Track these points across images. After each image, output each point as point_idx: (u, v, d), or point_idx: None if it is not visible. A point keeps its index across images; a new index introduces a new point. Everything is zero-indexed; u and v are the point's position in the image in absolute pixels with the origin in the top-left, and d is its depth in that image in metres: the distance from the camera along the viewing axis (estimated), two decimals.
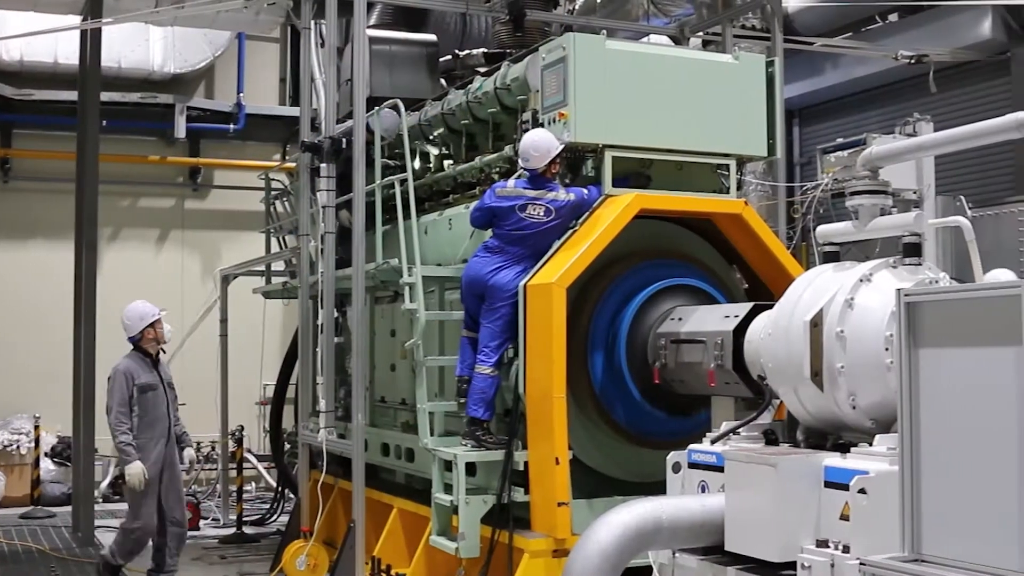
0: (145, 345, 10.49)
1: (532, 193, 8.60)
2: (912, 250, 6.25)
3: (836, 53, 16.72)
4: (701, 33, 13.88)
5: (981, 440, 4.58)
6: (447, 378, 9.43)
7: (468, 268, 8.80)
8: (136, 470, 9.98)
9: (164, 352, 10.80)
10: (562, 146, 8.56)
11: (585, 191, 8.63)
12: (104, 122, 15.33)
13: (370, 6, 12.85)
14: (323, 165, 10.55)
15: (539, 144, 8.57)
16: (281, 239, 15.12)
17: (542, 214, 8.56)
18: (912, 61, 15.11)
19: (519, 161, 8.75)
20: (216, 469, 16.76)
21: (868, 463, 5.52)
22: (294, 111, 16.55)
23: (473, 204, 9.13)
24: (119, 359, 10.50)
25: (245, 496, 15.22)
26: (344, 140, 10.38)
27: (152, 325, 10.48)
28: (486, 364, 8.55)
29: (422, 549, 9.26)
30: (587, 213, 8.53)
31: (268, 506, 15.42)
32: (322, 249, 10.60)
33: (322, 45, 12.65)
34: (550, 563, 7.91)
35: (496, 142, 10.00)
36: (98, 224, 14.63)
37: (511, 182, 8.80)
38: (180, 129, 18.91)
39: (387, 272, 9.83)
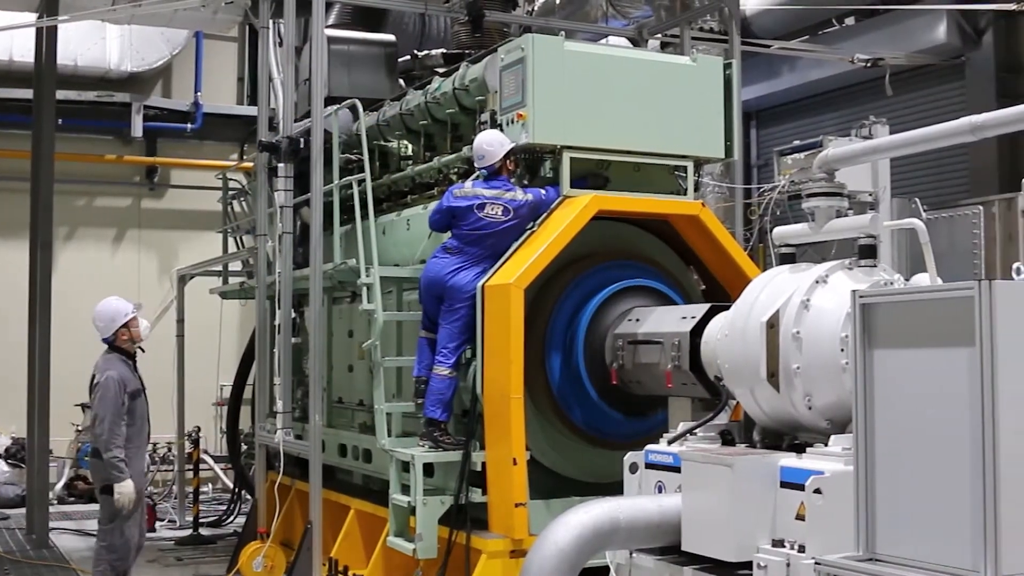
0: (121, 345, 9.62)
1: (490, 193, 8.61)
2: (867, 252, 6.29)
3: (793, 56, 16.83)
4: (659, 35, 13.93)
5: (935, 440, 4.61)
6: (405, 379, 9.42)
7: (427, 269, 8.80)
8: (128, 489, 9.16)
9: (143, 351, 9.94)
10: (513, 144, 8.61)
11: (543, 191, 8.65)
12: (60, 121, 15.22)
13: (328, 6, 12.83)
14: (281, 165, 10.51)
15: (491, 140, 8.66)
16: (238, 239, 15.04)
17: (500, 214, 8.57)
18: (868, 64, 15.23)
19: (475, 161, 8.76)
20: (172, 470, 16.65)
21: (823, 463, 5.55)
22: (252, 111, 16.45)
23: (432, 205, 9.12)
24: (101, 362, 9.58)
25: (201, 497, 15.10)
26: (302, 140, 10.34)
27: (126, 324, 9.60)
28: (444, 365, 8.54)
29: (379, 550, 9.24)
30: (545, 214, 8.53)
31: (225, 507, 15.33)
32: (280, 249, 10.55)
33: (280, 44, 12.61)
34: (507, 564, 7.92)
35: (455, 143, 9.99)
36: (54, 223, 14.50)
37: (468, 183, 8.81)
38: (137, 128, 18.80)
39: (345, 272, 9.80)
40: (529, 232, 8.49)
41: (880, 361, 4.86)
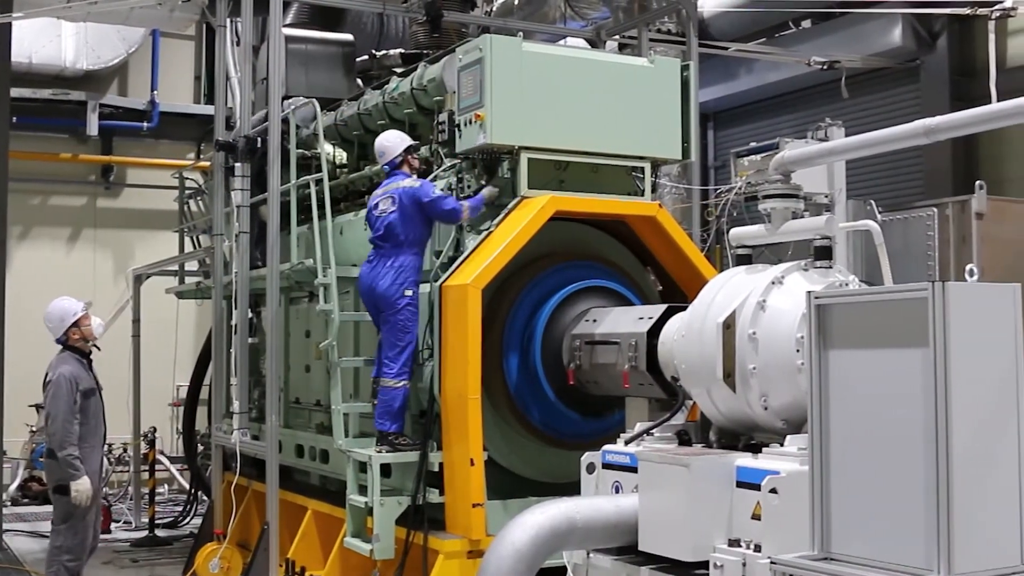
0: (74, 344, 9.61)
1: (382, 190, 8.82)
2: (823, 253, 6.33)
3: (750, 58, 16.91)
4: (617, 36, 13.96)
5: (889, 440, 4.65)
6: (362, 379, 9.40)
7: (359, 282, 8.91)
8: (85, 487, 9.15)
9: (98, 349, 9.97)
10: (413, 142, 8.96)
11: (417, 183, 8.76)
12: (14, 118, 15.07)
13: (286, 5, 12.77)
14: (238, 164, 10.47)
15: (390, 137, 9.02)
16: (195, 238, 14.98)
17: (389, 205, 8.69)
18: (824, 67, 15.32)
19: (377, 160, 8.96)
20: (128, 471, 16.55)
21: (779, 463, 5.58)
22: (209, 109, 16.41)
23: None
24: (55, 360, 9.56)
25: (157, 498, 15.04)
26: (259, 139, 10.31)
27: (77, 323, 9.61)
28: (389, 375, 8.51)
29: (336, 551, 9.22)
30: (503, 214, 8.53)
31: (181, 508, 15.26)
32: (237, 249, 10.51)
33: (237, 43, 12.56)
34: (465, 564, 7.91)
35: None
36: (8, 222, 14.34)
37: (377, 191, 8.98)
38: (92, 126, 18.65)
39: (302, 272, 9.77)
40: (486, 233, 8.49)
41: (835, 361, 4.90)
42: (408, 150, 9.01)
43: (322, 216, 9.39)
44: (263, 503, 9.91)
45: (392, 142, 9.00)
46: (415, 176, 8.96)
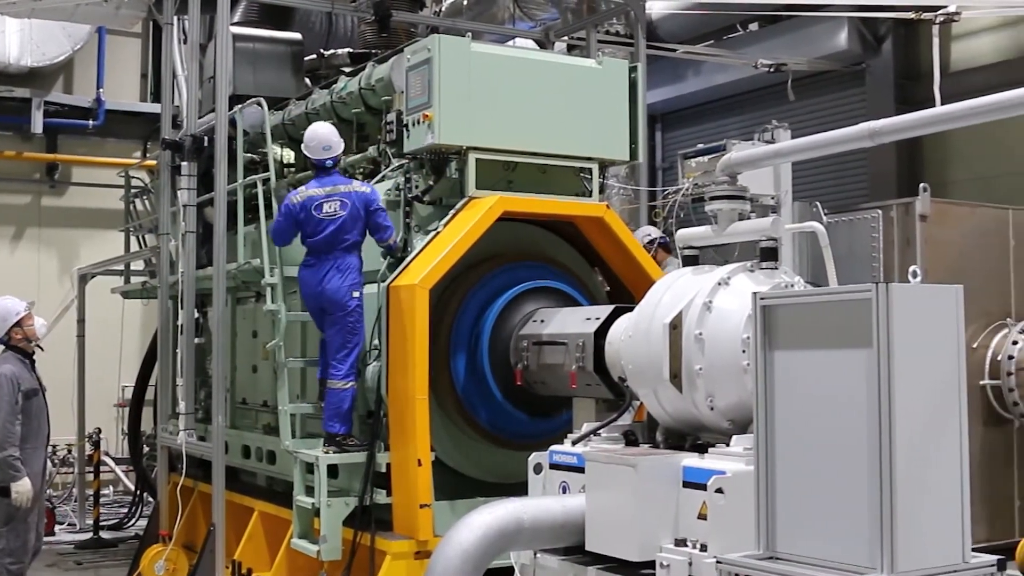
0: (17, 344, 9.54)
1: (324, 191, 8.69)
2: (769, 254, 6.36)
3: (698, 60, 16.99)
4: (566, 37, 13.98)
5: (833, 440, 4.69)
6: (309, 380, 9.37)
7: (300, 284, 8.80)
8: (25, 488, 9.09)
9: (42, 349, 9.91)
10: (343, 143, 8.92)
11: (368, 189, 8.73)
12: None
13: (234, 3, 12.69)
14: (184, 163, 10.40)
15: (334, 132, 8.92)
16: (141, 238, 14.88)
17: (339, 208, 8.61)
18: (771, 69, 15.42)
19: (313, 153, 8.84)
20: (72, 473, 16.41)
21: (725, 463, 5.61)
22: (155, 108, 16.29)
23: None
24: None
25: (102, 500, 14.93)
26: (206, 138, 10.25)
27: (19, 323, 9.54)
28: (337, 377, 8.49)
29: (283, 552, 9.18)
30: (451, 214, 8.53)
31: (126, 510, 15.15)
32: (183, 248, 10.45)
33: (185, 41, 12.47)
34: (412, 565, 7.90)
35: (360, 143, 9.98)
36: None
37: (300, 189, 8.85)
38: (37, 124, 18.43)
39: (249, 272, 9.73)
40: (434, 233, 8.48)
41: (780, 362, 4.94)
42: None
43: (269, 216, 9.36)
44: (209, 504, 9.86)
45: (337, 137, 8.94)
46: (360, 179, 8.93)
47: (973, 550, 4.77)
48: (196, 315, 10.66)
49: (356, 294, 8.52)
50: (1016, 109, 5.72)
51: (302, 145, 9.04)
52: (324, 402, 8.60)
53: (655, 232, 11.37)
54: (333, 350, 8.53)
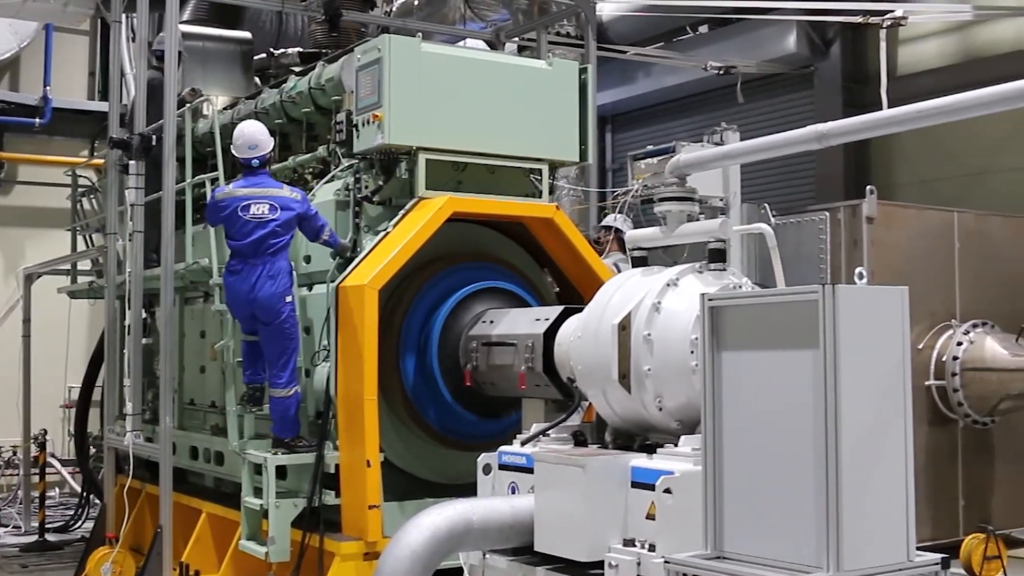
0: None
1: (249, 191, 8.59)
2: (717, 256, 6.40)
3: (648, 62, 17.07)
4: (516, 38, 13.99)
5: (780, 440, 4.73)
6: None
7: (228, 292, 8.67)
8: None
9: None
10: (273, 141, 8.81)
11: (298, 196, 8.64)
12: None
13: (183, 1, 12.62)
14: (132, 162, 10.33)
15: (263, 130, 8.85)
16: (88, 237, 14.75)
17: (267, 211, 8.50)
18: (721, 72, 15.52)
19: (239, 152, 8.75)
20: (17, 475, 16.24)
21: (673, 463, 5.64)
22: (103, 106, 16.14)
23: None
24: None
25: (48, 502, 14.78)
26: (154, 137, 10.18)
27: None
28: (279, 386, 8.44)
29: (231, 554, 9.13)
30: (400, 215, 8.51)
31: (72, 512, 15.01)
32: (130, 248, 10.37)
33: (133, 39, 12.38)
34: (361, 566, 7.88)
35: (310, 142, 9.94)
36: None
37: (227, 187, 8.78)
38: None
39: (197, 272, 9.67)
40: (384, 233, 8.47)
41: (728, 363, 4.97)
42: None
43: None
44: (156, 506, 9.78)
45: (265, 136, 8.82)
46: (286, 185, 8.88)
47: (918, 549, 4.82)
48: (144, 315, 10.58)
49: (289, 299, 8.45)
50: (961, 113, 5.78)
51: (232, 145, 8.89)
52: (270, 409, 8.54)
53: (619, 223, 11.39)
54: (272, 359, 8.46)
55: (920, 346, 10.74)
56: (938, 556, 4.86)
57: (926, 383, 10.75)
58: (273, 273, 8.44)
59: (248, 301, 8.46)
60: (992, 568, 9.20)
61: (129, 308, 10.39)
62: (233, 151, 8.84)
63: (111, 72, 12.02)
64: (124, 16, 11.77)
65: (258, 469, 8.46)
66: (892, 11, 12.87)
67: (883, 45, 12.51)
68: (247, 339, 8.73)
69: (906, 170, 15.03)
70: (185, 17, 13.02)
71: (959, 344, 10.83)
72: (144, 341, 10.54)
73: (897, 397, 4.74)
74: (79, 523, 14.54)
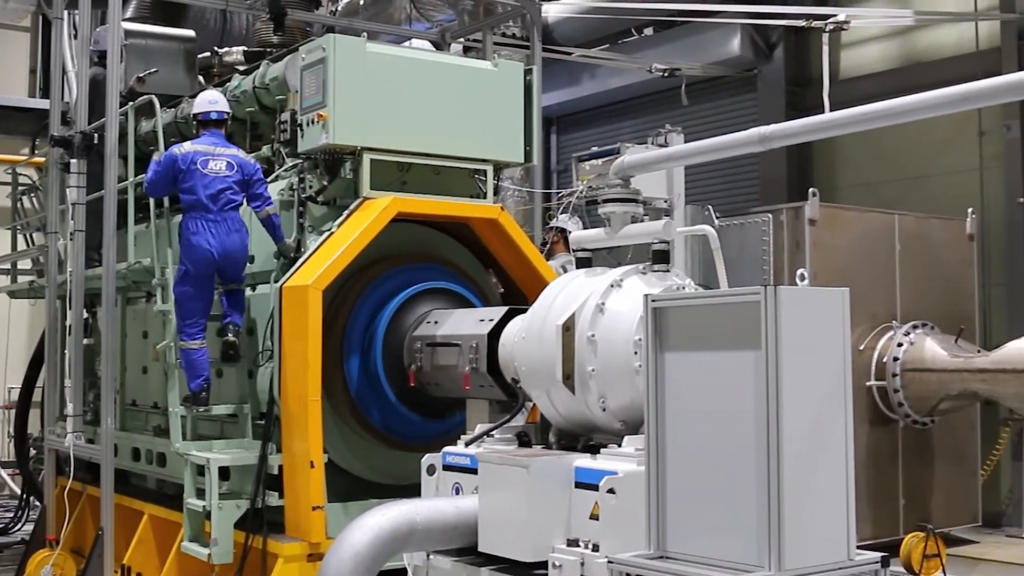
0: None
1: (211, 148, 8.85)
2: (661, 257, 6.43)
3: (593, 64, 17.13)
4: (462, 39, 14.00)
5: (723, 441, 4.75)
6: None
7: (193, 248, 8.65)
8: None
9: None
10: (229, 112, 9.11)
11: (250, 158, 8.99)
12: None
13: None
14: (74, 160, 10.23)
15: (215, 94, 9.19)
16: (28, 236, 14.58)
17: (225, 168, 8.73)
18: (666, 74, 15.59)
19: (200, 111, 9.07)
20: None
21: (617, 464, 5.65)
22: (44, 104, 15.94)
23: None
24: None
25: None
26: (96, 135, 10.09)
27: None
28: (199, 338, 8.65)
29: (174, 556, 9.07)
30: (345, 214, 8.49)
31: (12, 514, 14.83)
32: (71, 247, 10.28)
33: (75, 36, 12.26)
34: (304, 567, 7.85)
35: (254, 142, 9.90)
36: None
37: (185, 144, 8.98)
38: None
39: (139, 272, 9.59)
40: (328, 234, 8.44)
41: (671, 364, 4.99)
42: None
43: (160, 215, 9.25)
44: (98, 508, 9.70)
45: (225, 100, 9.16)
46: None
47: (859, 547, 4.86)
48: (85, 315, 10.48)
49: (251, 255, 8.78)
50: (902, 116, 5.85)
51: (192, 113, 9.19)
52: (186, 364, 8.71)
53: (567, 224, 11.40)
54: (204, 313, 8.68)
55: (861, 347, 10.86)
56: (878, 555, 4.90)
57: (867, 384, 10.88)
58: (239, 227, 8.69)
59: (222, 255, 8.63)
60: (931, 566, 9.31)
61: (70, 308, 10.28)
62: (193, 112, 9.11)
63: (52, 69, 11.91)
64: (66, 13, 11.67)
65: (201, 470, 8.40)
66: (835, 15, 12.99)
67: (826, 49, 12.62)
68: (193, 346, 8.68)
69: (848, 173, 15.18)
70: (128, 14, 12.92)
71: (899, 345, 10.96)
72: (85, 341, 10.45)
73: (838, 397, 4.78)
74: (19, 526, 14.37)
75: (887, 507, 11.18)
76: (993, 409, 12.37)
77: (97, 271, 10.03)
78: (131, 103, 10.05)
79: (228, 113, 9.18)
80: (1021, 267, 13.26)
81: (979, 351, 10.65)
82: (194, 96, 10.75)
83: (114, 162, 9.60)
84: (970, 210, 12.39)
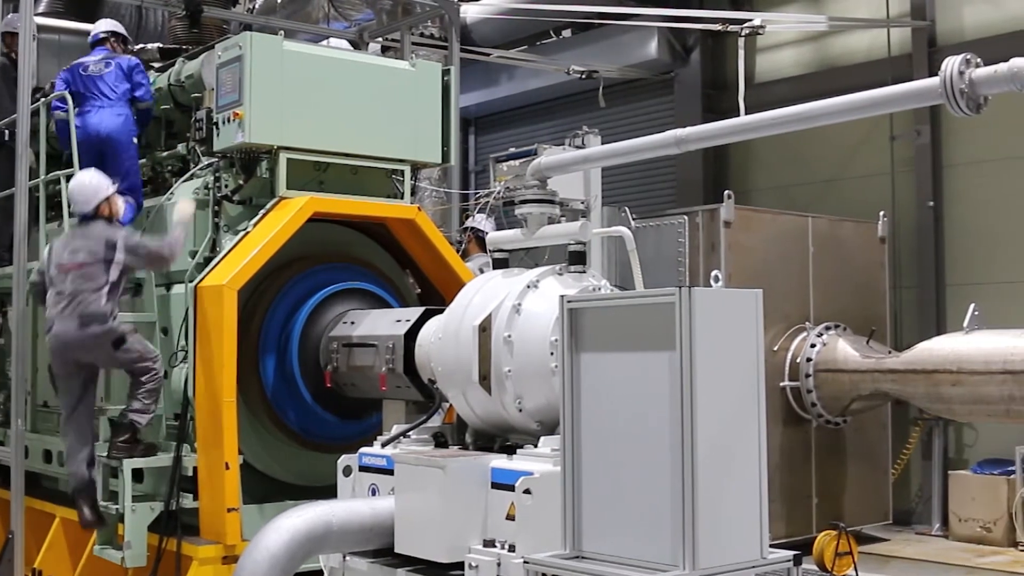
0: None
1: (89, 59, 9.58)
2: (577, 258, 6.46)
3: (511, 65, 17.17)
4: (380, 39, 13.96)
5: (637, 441, 4.78)
6: (113, 383, 9.13)
7: (71, 131, 9.21)
8: None
9: None
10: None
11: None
12: None
13: None
14: None
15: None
16: None
17: (103, 67, 9.54)
18: (583, 76, 15.66)
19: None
20: None
21: (533, 464, 5.68)
22: None
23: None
24: None
25: None
26: (7, 132, 9.94)
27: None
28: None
29: (86, 559, 8.94)
30: (261, 214, 8.43)
31: None
32: None
33: None
34: (219, 570, 7.79)
35: (169, 140, 9.80)
36: None
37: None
38: None
39: None
40: (243, 233, 8.38)
41: (587, 364, 5.01)
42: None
43: (72, 213, 9.13)
44: (7, 511, 9.55)
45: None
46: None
47: (772, 546, 4.92)
48: None
49: (135, 140, 9.25)
50: (815, 120, 5.93)
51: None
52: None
53: (480, 223, 11.39)
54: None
55: (775, 348, 10.99)
56: (791, 553, 4.97)
57: (781, 384, 11.01)
58: (121, 112, 9.34)
59: (95, 135, 9.18)
60: (843, 564, 9.42)
61: None
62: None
63: None
64: None
65: (114, 472, 8.30)
66: (750, 20, 13.13)
67: (741, 53, 12.75)
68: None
69: (763, 176, 15.35)
70: (40, 9, 12.74)
71: (812, 346, 11.11)
72: None
73: (752, 398, 4.83)
74: None
75: (800, 506, 11.33)
76: (904, 409, 12.58)
77: (7, 270, 9.89)
78: (43, 100, 9.91)
79: (107, 35, 9.93)
80: (931, 269, 13.50)
81: (890, 352, 10.81)
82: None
83: (25, 159, 9.46)
84: (881, 213, 12.60)
